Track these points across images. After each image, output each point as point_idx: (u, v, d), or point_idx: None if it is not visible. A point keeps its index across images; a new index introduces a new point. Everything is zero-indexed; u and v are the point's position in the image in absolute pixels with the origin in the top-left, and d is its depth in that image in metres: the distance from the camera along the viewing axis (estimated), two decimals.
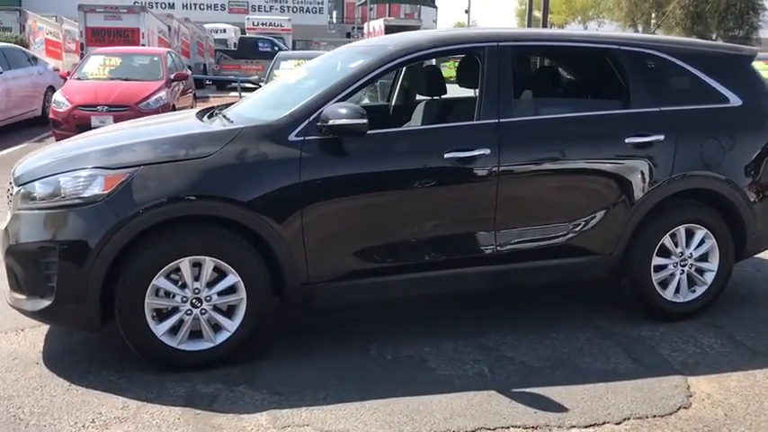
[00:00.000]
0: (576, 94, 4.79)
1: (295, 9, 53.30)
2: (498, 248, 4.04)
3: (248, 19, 40.32)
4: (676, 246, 4.36)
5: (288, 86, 4.73)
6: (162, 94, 11.18)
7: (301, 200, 3.64)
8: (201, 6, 51.09)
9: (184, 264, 3.56)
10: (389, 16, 46.45)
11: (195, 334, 3.68)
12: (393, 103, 5.50)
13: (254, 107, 4.47)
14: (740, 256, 4.62)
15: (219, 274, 3.64)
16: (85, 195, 3.49)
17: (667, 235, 4.32)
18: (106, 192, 3.47)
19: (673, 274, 4.40)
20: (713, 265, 4.46)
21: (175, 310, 3.61)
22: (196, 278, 3.61)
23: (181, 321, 3.63)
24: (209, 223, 3.60)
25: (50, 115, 10.91)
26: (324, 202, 3.70)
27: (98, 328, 3.60)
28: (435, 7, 56.98)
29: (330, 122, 3.63)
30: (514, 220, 4.05)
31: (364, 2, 47.17)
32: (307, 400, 3.42)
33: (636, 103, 4.28)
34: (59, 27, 19.30)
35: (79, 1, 17.77)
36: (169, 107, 11.11)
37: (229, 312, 3.71)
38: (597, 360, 3.94)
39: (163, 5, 48.88)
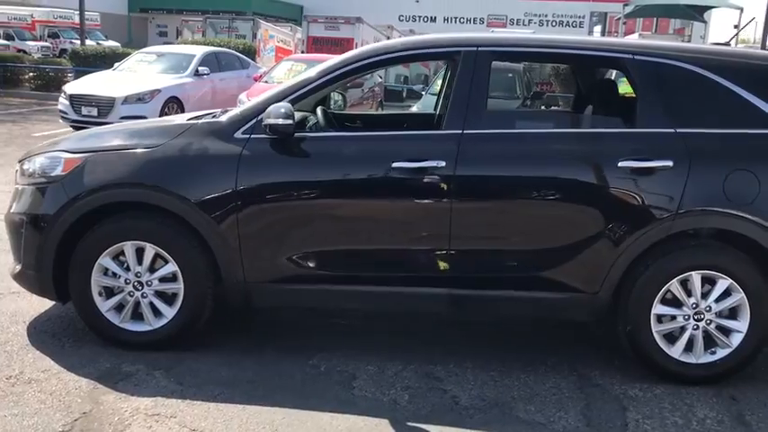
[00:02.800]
0: (572, 108, 4.19)
1: (554, 23, 52.51)
2: (454, 271, 3.70)
3: (492, 31, 40.58)
4: (689, 295, 3.65)
5: None
6: None
7: (236, 197, 3.65)
8: (461, 20, 52.39)
9: (127, 247, 3.76)
10: (656, 32, 43.83)
11: (140, 316, 3.87)
12: (438, 112, 5.25)
13: None
14: None
15: (165, 262, 3.79)
16: (51, 175, 3.83)
17: (675, 280, 3.63)
18: (64, 173, 3.78)
19: (683, 329, 3.68)
20: (742, 324, 3.65)
21: (120, 290, 3.83)
22: (140, 263, 3.79)
23: (125, 301, 3.83)
24: (152, 211, 3.75)
25: None
26: (260, 203, 3.67)
27: (54, 296, 3.92)
28: (705, 22, 52.73)
29: (264, 121, 3.61)
30: (473, 243, 3.68)
31: (620, 17, 45.04)
32: (198, 396, 3.42)
33: (644, 122, 3.65)
34: (292, 36, 21.11)
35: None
36: None
37: (172, 299, 3.83)
38: (541, 411, 3.43)
39: (425, 19, 50.94)
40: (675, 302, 3.67)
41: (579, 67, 4.49)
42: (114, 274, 3.81)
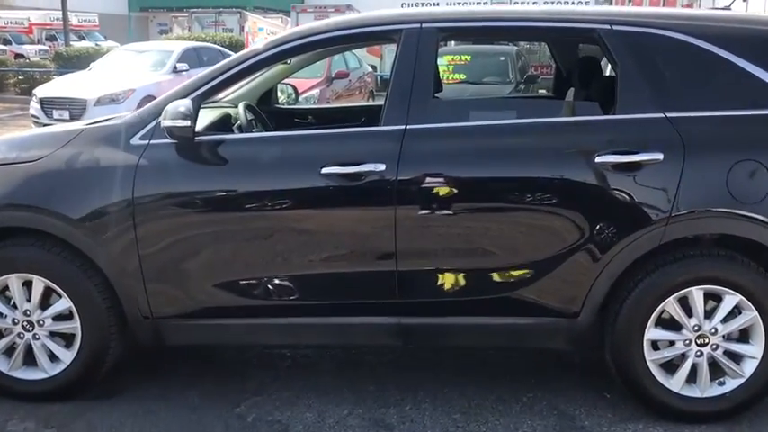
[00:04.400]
0: (552, 93, 3.51)
1: (560, 3, 51.56)
2: (403, 296, 3.05)
3: None
4: (689, 315, 2.98)
5: None
6: (315, 92, 11.12)
7: (134, 217, 3.02)
8: (463, 5, 51.58)
9: (12, 281, 3.14)
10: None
11: (35, 361, 3.25)
12: None
13: None
14: None
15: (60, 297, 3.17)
16: None
17: (672, 298, 2.96)
18: None
19: (684, 356, 3.02)
20: (756, 348, 2.99)
21: (9, 331, 3.21)
22: (29, 299, 3.17)
23: (14, 345, 3.22)
24: (40, 237, 3.13)
25: None
26: (162, 222, 3.05)
27: None
28: None
29: (162, 123, 2.97)
30: (423, 262, 3.02)
31: None
32: None
33: (626, 106, 2.98)
34: (283, 27, 20.36)
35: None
36: (324, 104, 11.02)
37: (71, 341, 3.21)
38: None
39: (428, 6, 50.03)
40: (673, 325, 3.01)
41: (552, 43, 3.81)
42: (0, 314, 3.19)
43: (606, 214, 2.92)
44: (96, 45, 27.46)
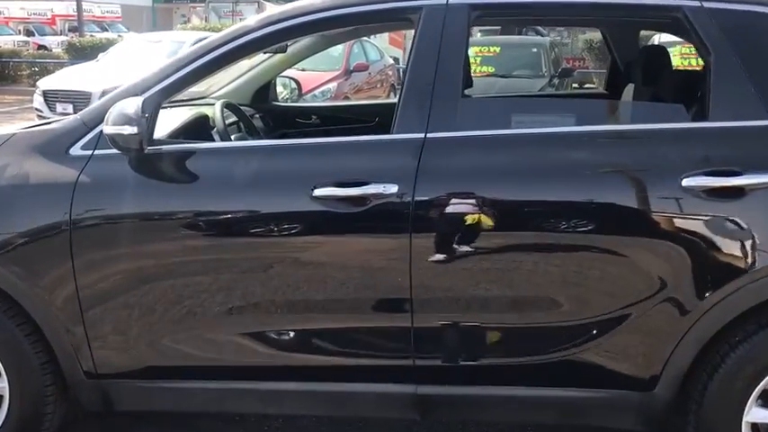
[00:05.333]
0: (605, 90, 2.76)
1: None
2: (420, 358, 2.33)
3: None
4: None
5: None
6: (331, 85, 10.41)
7: (71, 247, 2.33)
8: None
9: None
10: None
11: None
12: None
13: None
14: None
15: None
16: None
17: None
18: None
19: None
20: None
21: None
22: None
23: None
24: None
25: None
26: (107, 255, 2.36)
27: None
28: None
29: (104, 130, 2.27)
30: (446, 314, 2.30)
31: None
32: None
33: (723, 110, 2.22)
34: None
35: None
36: (341, 98, 10.34)
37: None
38: None
39: None
40: None
41: (612, 27, 3.04)
42: None
43: (695, 256, 2.17)
44: (119, 36, 27.05)
